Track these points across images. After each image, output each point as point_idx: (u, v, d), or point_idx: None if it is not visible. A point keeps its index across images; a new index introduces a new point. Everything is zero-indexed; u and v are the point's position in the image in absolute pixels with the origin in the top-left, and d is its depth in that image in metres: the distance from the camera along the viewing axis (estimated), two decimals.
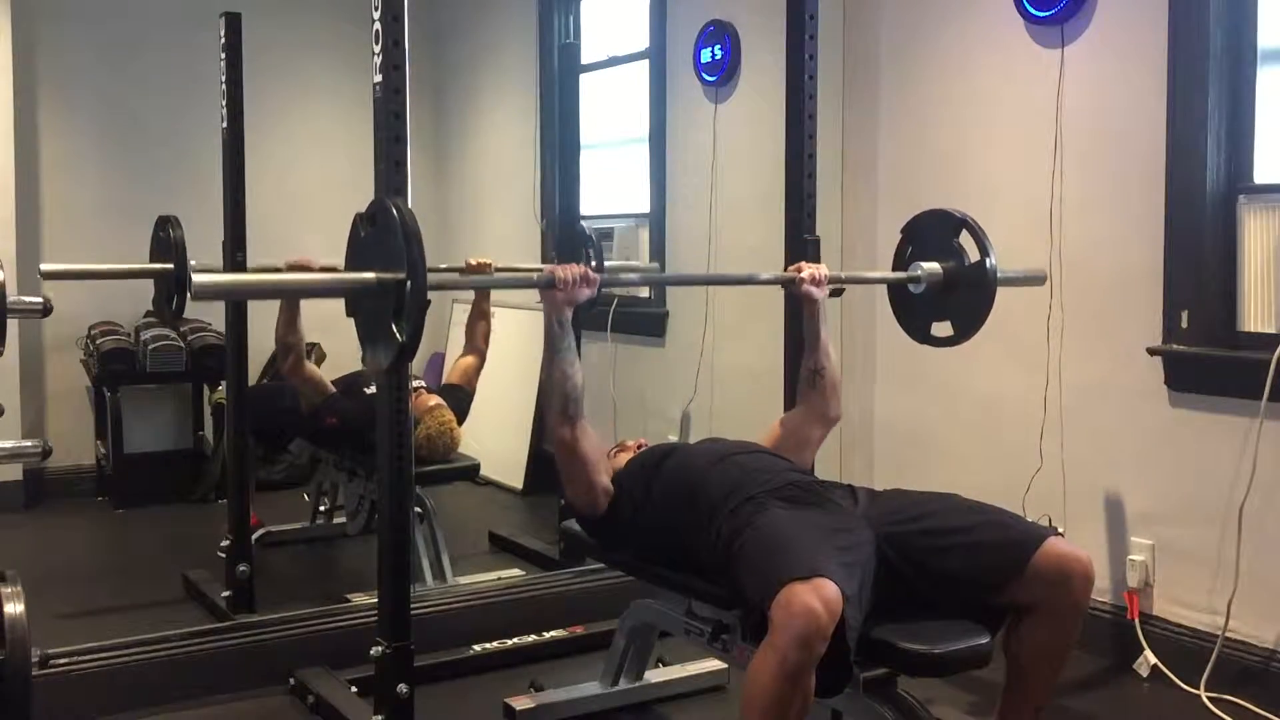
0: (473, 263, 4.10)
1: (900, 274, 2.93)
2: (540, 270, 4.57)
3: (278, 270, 3.75)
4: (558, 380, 2.47)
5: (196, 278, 2.09)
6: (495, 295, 6.11)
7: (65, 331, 5.30)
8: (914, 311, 2.95)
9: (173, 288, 3.60)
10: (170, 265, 3.54)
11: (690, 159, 4.81)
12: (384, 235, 2.19)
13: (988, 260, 2.78)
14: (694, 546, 2.43)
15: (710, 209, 4.63)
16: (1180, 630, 3.22)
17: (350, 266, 2.28)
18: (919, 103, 3.95)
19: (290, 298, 3.77)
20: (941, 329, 2.92)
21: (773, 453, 2.69)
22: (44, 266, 3.59)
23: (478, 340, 4.22)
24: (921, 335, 2.96)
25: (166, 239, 3.57)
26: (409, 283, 2.09)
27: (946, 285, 2.85)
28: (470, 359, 4.21)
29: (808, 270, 2.80)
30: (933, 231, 2.91)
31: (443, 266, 4.36)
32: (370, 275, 2.18)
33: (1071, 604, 2.25)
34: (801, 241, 3.03)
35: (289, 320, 3.84)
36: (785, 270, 2.91)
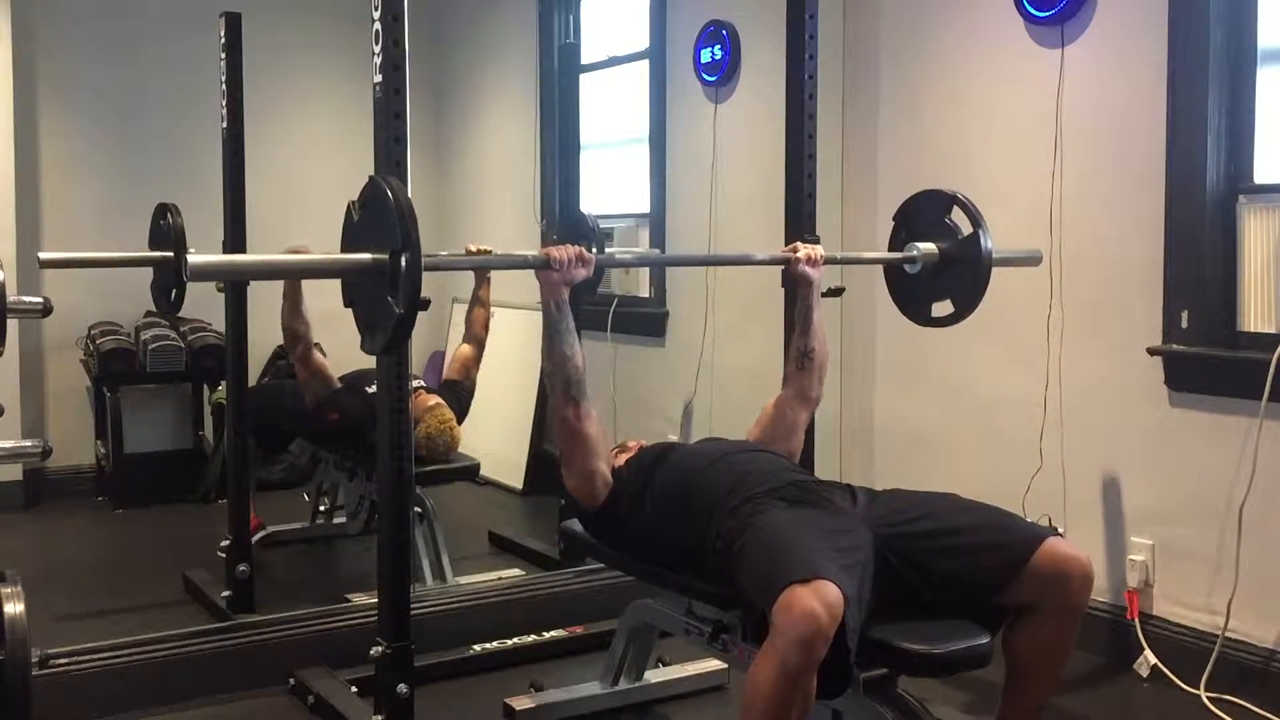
0: (473, 249, 4.10)
1: (896, 254, 2.93)
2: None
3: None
4: (559, 362, 2.47)
5: (192, 258, 2.08)
6: (495, 295, 6.12)
7: (65, 331, 5.31)
8: (912, 293, 2.96)
9: (171, 278, 3.58)
10: (169, 254, 3.53)
11: (690, 159, 4.81)
12: (377, 215, 2.18)
13: (980, 231, 2.79)
14: (694, 546, 2.43)
15: (710, 209, 4.63)
16: (1180, 630, 3.22)
17: (345, 250, 2.25)
18: (919, 103, 3.95)
19: (286, 279, 3.76)
20: (941, 309, 2.92)
21: (772, 452, 2.70)
22: (42, 255, 3.59)
23: (476, 328, 4.23)
24: (922, 317, 2.96)
25: (166, 227, 3.56)
26: (404, 254, 2.08)
27: (942, 263, 2.87)
28: (469, 348, 4.21)
29: (804, 250, 2.82)
30: (925, 212, 2.92)
31: (443, 253, 4.38)
32: (365, 255, 2.16)
33: (1071, 604, 2.25)
34: (801, 241, 3.03)
35: (292, 307, 3.85)
36: (782, 250, 2.91)
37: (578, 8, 5.68)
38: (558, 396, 2.49)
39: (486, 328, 4.25)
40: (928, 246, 2.88)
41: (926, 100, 3.93)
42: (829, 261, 2.85)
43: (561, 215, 4.14)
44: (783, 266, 2.90)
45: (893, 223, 3.01)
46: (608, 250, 5.13)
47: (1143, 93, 3.25)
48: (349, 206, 2.28)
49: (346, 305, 2.32)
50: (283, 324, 3.89)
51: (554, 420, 2.52)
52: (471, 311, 4.25)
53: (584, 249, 2.50)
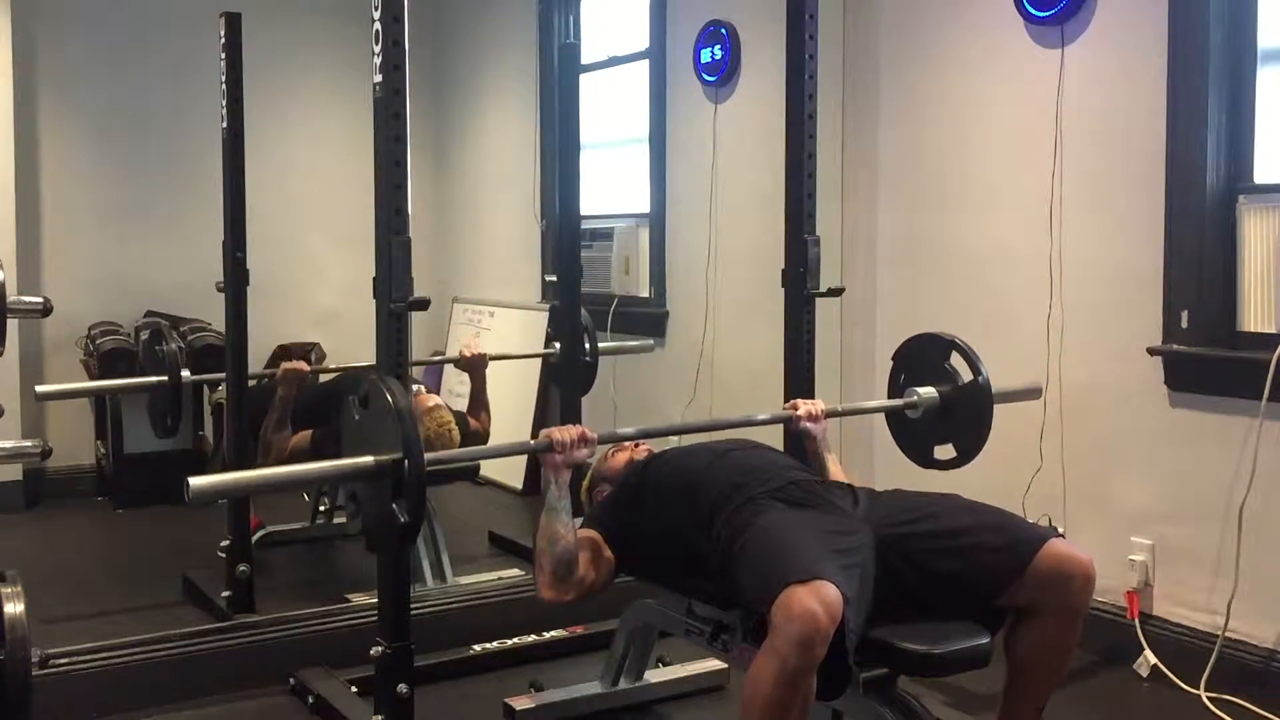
0: (467, 354, 4.15)
1: (897, 401, 2.92)
2: (538, 354, 4.51)
3: (272, 374, 3.97)
4: (551, 540, 2.44)
5: (193, 482, 2.08)
6: (496, 293, 6.14)
7: (65, 331, 5.31)
8: (914, 437, 2.94)
9: (168, 403, 3.67)
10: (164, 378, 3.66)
11: (690, 159, 4.81)
12: (378, 417, 2.22)
13: (979, 380, 2.79)
14: (695, 546, 2.43)
15: (710, 209, 4.63)
16: (1180, 630, 3.22)
17: (347, 451, 2.30)
18: (919, 103, 3.95)
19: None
20: (943, 452, 2.91)
21: (773, 449, 2.70)
22: (39, 389, 3.93)
23: (479, 412, 4.15)
24: (924, 459, 2.94)
25: (160, 353, 3.68)
26: (406, 462, 2.13)
27: (944, 408, 2.86)
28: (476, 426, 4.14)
29: (804, 408, 2.81)
30: (924, 356, 2.92)
31: (435, 358, 4.35)
32: (368, 459, 2.19)
33: (1072, 605, 2.25)
34: (802, 241, 3.03)
35: (279, 423, 3.86)
36: (783, 407, 2.89)
37: (578, 8, 5.68)
38: (544, 578, 2.46)
39: (489, 414, 4.16)
40: (928, 392, 2.86)
41: (926, 100, 3.93)
42: (830, 414, 2.84)
43: (560, 226, 4.07)
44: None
45: (891, 363, 3.00)
46: (607, 257, 5.14)
47: (1143, 93, 3.25)
48: (348, 402, 2.33)
49: (351, 515, 2.41)
50: (264, 435, 3.86)
51: (543, 598, 2.49)
52: (475, 414, 4.14)
53: (585, 430, 2.49)
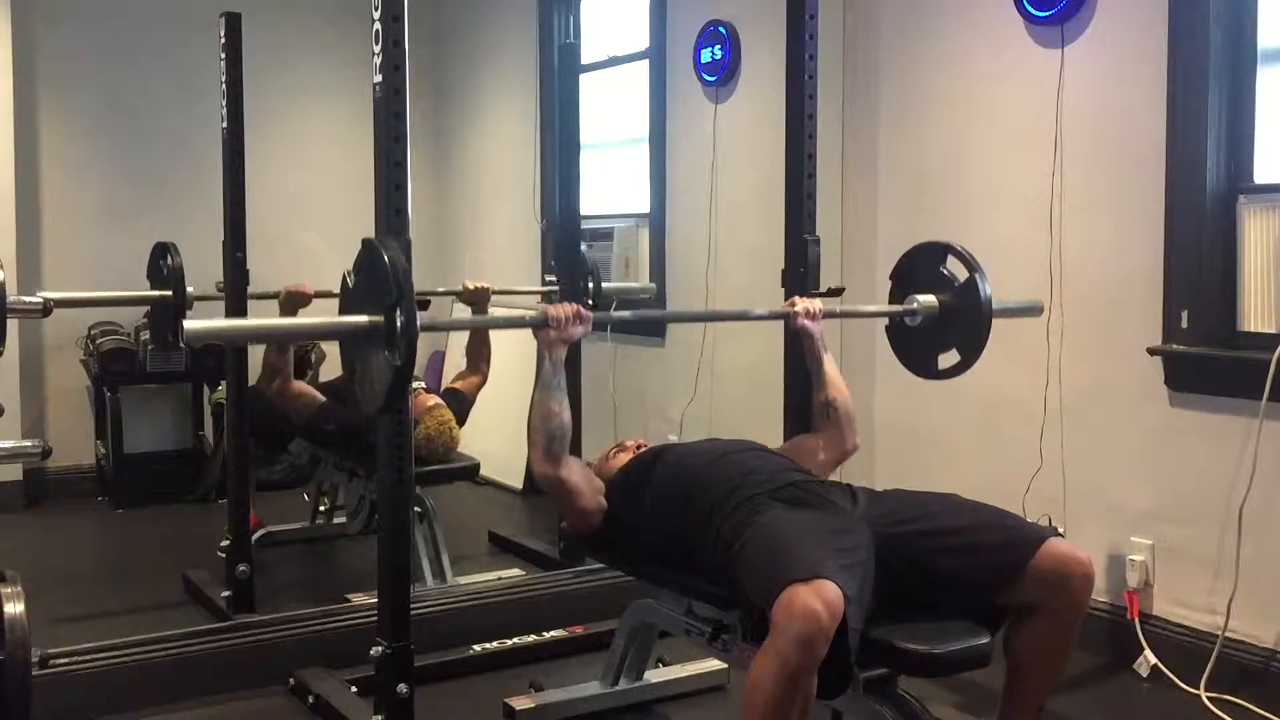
0: (470, 286, 4.11)
1: (897, 307, 2.93)
2: (538, 290, 4.58)
3: (275, 295, 3.84)
4: (545, 416, 2.48)
5: (188, 324, 2.11)
6: (496, 289, 6.12)
7: (65, 331, 5.30)
8: (915, 346, 2.95)
9: (170, 319, 3.64)
10: (169, 292, 3.59)
11: (690, 159, 4.81)
12: (372, 277, 2.21)
13: (977, 277, 2.79)
14: (694, 546, 2.43)
15: (710, 209, 4.63)
16: (1180, 630, 3.23)
17: (343, 315, 2.29)
18: (919, 103, 3.95)
19: (286, 342, 3.78)
20: (946, 360, 2.91)
21: (772, 451, 2.69)
22: (48, 295, 3.71)
23: (480, 364, 4.18)
24: (927, 369, 2.95)
25: (164, 268, 3.61)
26: (399, 307, 2.12)
27: (943, 313, 2.87)
28: (475, 378, 4.16)
29: (801, 304, 2.81)
30: (920, 266, 2.92)
31: (440, 290, 4.37)
32: (362, 318, 2.19)
33: (1071, 605, 2.25)
34: (802, 241, 3.03)
35: (281, 345, 3.85)
36: (782, 304, 2.90)
37: (578, 8, 5.68)
38: (537, 452, 2.50)
39: (489, 363, 4.18)
40: (927, 298, 2.87)
41: (926, 100, 3.93)
42: (828, 315, 2.84)
43: (561, 225, 4.10)
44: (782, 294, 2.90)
45: (889, 281, 3.00)
46: (606, 257, 5.14)
47: (1143, 93, 3.25)
48: (344, 275, 2.31)
49: (346, 373, 2.34)
50: (266, 358, 3.85)
51: (534, 473, 2.53)
52: (474, 350, 4.18)
53: (581, 306, 2.52)
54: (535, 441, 2.50)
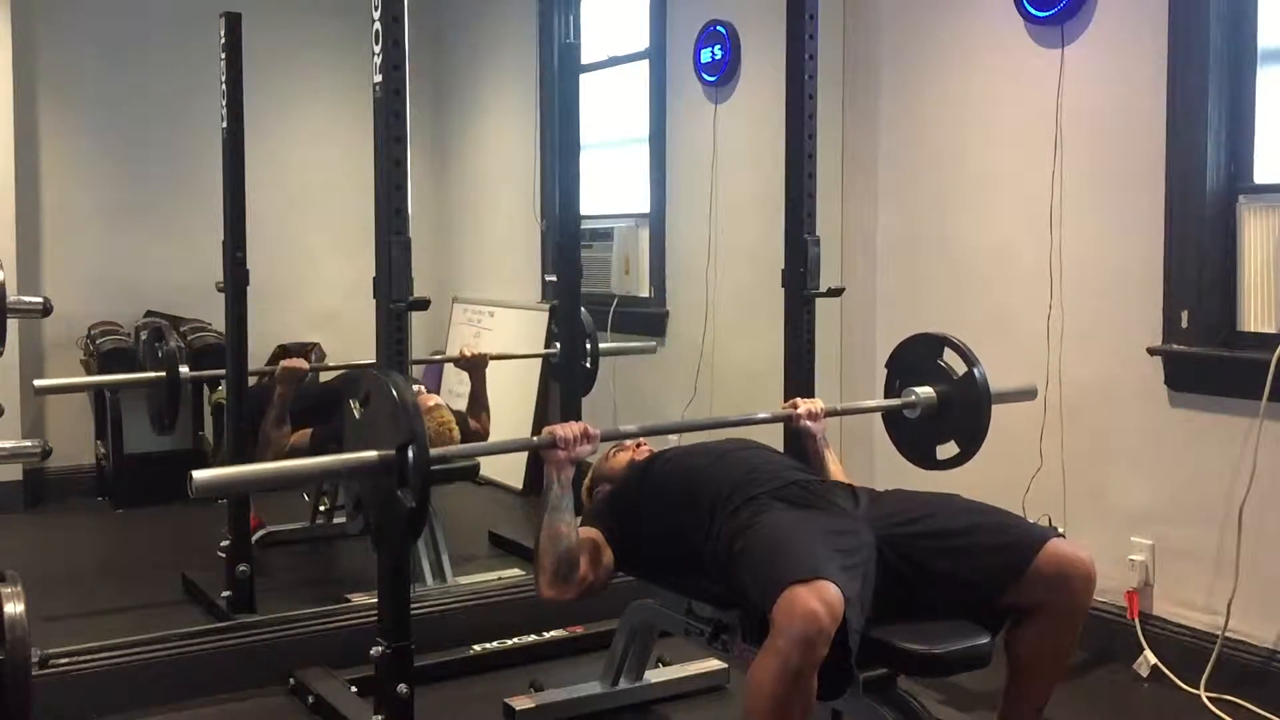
0: (467, 354, 4.15)
1: (895, 400, 2.93)
2: (537, 354, 4.50)
3: (271, 369, 3.97)
4: (553, 539, 2.42)
5: (197, 475, 2.05)
6: (496, 293, 6.14)
7: (65, 331, 5.30)
8: (914, 438, 2.94)
9: (166, 400, 3.73)
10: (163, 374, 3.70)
11: (690, 159, 4.81)
12: (380, 412, 2.21)
13: (975, 371, 2.79)
14: (695, 546, 2.43)
15: (710, 209, 4.63)
16: (1180, 630, 3.22)
17: (349, 448, 2.29)
18: (919, 102, 3.95)
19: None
20: (945, 451, 2.90)
21: (773, 450, 2.70)
22: (37, 383, 3.98)
23: (480, 413, 4.15)
24: (927, 461, 2.94)
25: (160, 350, 3.69)
26: (411, 447, 2.12)
27: (941, 405, 2.86)
28: (473, 424, 4.12)
29: (804, 406, 2.82)
30: (917, 357, 2.92)
31: (436, 357, 4.36)
32: (372, 454, 2.19)
33: (1072, 606, 2.25)
34: (802, 241, 3.03)
35: (278, 420, 3.87)
36: (782, 406, 2.90)
37: (578, 8, 5.68)
38: (546, 577, 2.44)
39: (488, 413, 4.16)
40: (926, 391, 2.87)
41: (926, 99, 3.93)
42: (829, 414, 2.84)
43: (561, 226, 4.07)
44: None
45: (885, 370, 2.99)
46: (606, 257, 5.14)
47: (1143, 93, 3.25)
48: (348, 405, 2.31)
49: (354, 510, 2.37)
50: (263, 431, 3.86)
51: (541, 596, 2.48)
52: (475, 414, 4.13)
53: (588, 426, 2.49)
54: (544, 566, 2.43)
